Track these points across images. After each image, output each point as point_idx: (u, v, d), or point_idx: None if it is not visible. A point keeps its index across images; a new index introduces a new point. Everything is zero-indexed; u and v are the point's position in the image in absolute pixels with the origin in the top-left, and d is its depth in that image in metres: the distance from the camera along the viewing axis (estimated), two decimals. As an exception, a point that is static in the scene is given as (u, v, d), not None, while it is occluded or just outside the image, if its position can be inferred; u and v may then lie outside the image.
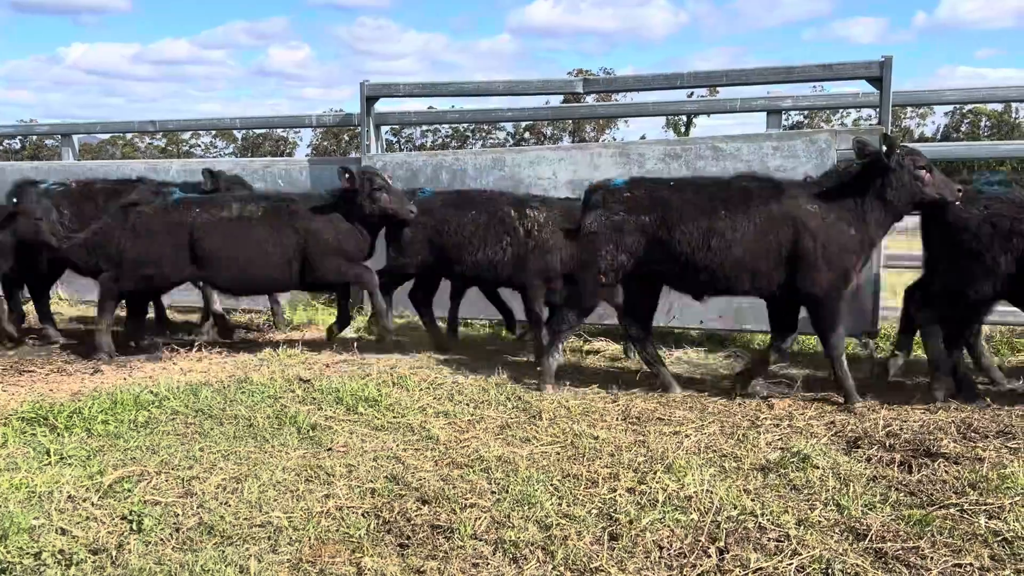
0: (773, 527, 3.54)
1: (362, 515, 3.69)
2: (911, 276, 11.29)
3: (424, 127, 59.81)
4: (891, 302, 7.90)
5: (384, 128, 9.40)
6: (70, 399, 5.47)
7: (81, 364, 6.79)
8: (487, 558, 3.33)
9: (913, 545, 3.38)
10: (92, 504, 3.77)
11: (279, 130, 63.82)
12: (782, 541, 3.43)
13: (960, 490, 3.92)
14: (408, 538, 3.49)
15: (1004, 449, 4.49)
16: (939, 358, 5.54)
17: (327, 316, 8.48)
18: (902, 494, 3.91)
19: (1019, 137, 53.09)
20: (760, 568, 3.21)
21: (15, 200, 7.54)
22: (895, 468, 4.25)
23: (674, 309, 7.52)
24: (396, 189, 7.01)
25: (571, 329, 6.24)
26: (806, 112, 48.92)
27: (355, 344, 6.99)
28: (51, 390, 5.89)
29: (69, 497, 3.83)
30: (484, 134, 64.65)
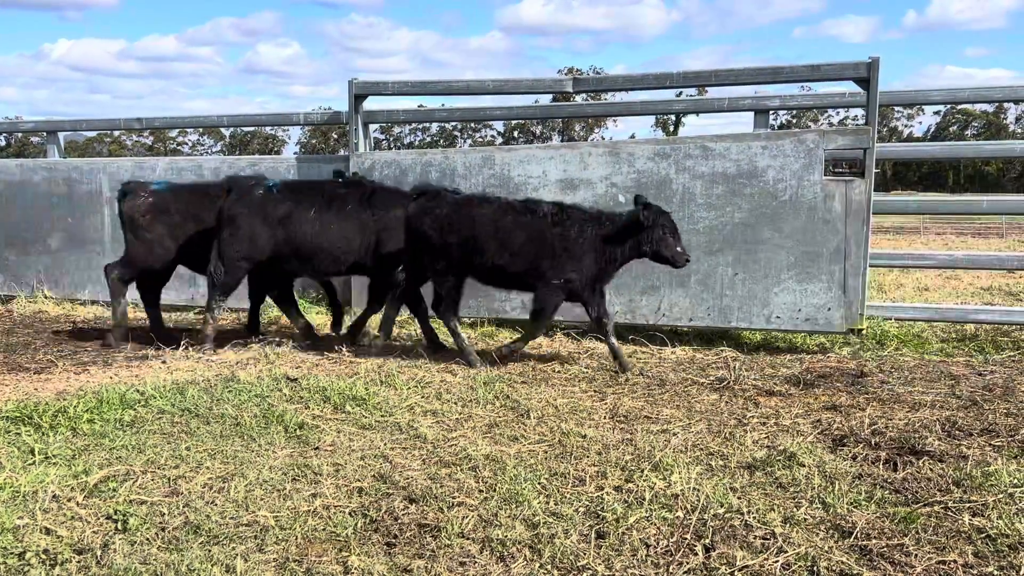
0: (759, 525, 3.56)
1: (349, 514, 3.69)
2: (895, 275, 11.34)
3: (412, 125, 59.73)
4: (876, 300, 7.95)
5: (373, 126, 9.38)
6: (55, 398, 5.44)
7: (69, 363, 6.74)
8: (474, 557, 3.33)
9: (898, 542, 3.40)
10: (77, 504, 3.75)
11: (267, 128, 63.63)
12: (768, 539, 3.44)
13: (944, 488, 3.95)
14: (395, 537, 3.49)
15: (988, 447, 4.53)
16: None
17: (315, 315, 8.46)
18: (887, 492, 3.93)
19: (1006, 137, 53.47)
20: (746, 566, 3.23)
21: None
22: (880, 466, 4.27)
23: (663, 307, 7.57)
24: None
25: None
26: (794, 112, 49.16)
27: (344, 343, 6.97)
28: (36, 389, 5.85)
29: (54, 496, 3.80)
30: (472, 132, 64.59)
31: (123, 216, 7.53)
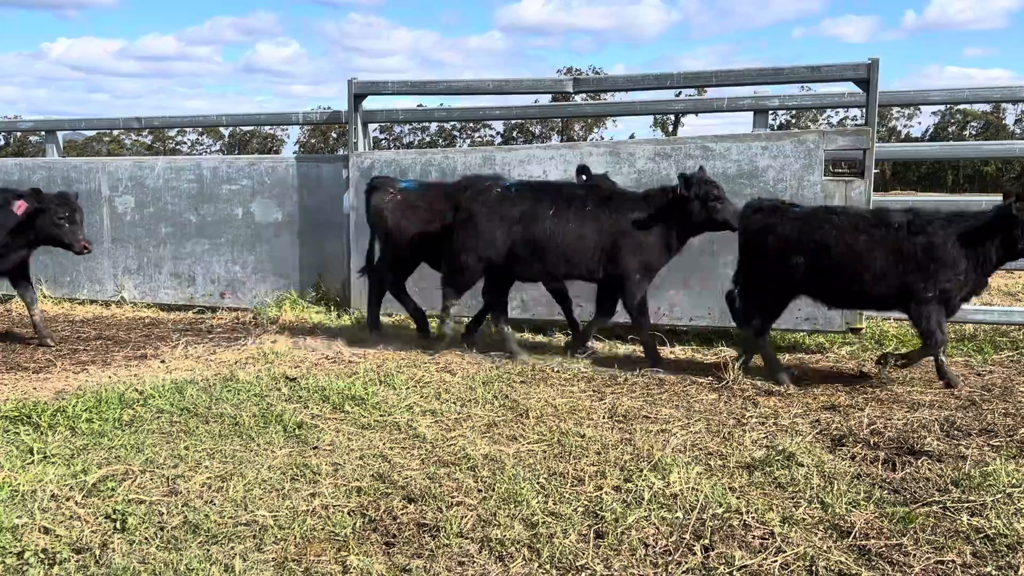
0: (758, 525, 3.56)
1: (348, 514, 3.69)
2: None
3: (412, 125, 59.73)
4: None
5: (372, 126, 9.38)
6: (54, 397, 5.44)
7: (67, 362, 6.74)
8: (473, 556, 3.33)
9: (896, 542, 3.40)
10: (76, 503, 3.75)
11: (266, 127, 63.65)
12: (767, 539, 3.45)
13: (943, 488, 3.96)
14: (394, 536, 3.49)
15: (986, 447, 4.54)
16: None
17: (314, 314, 8.47)
18: (886, 492, 3.94)
19: (1005, 138, 53.51)
20: (745, 566, 3.23)
21: None
22: (879, 466, 4.28)
23: (663, 307, 7.56)
24: None
25: None
26: (793, 112, 49.21)
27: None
28: (35, 388, 5.84)
29: (52, 496, 3.80)
30: (471, 132, 64.63)
31: (370, 210, 7.47)
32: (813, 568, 3.21)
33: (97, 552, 3.33)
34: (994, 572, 3.19)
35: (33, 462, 4.26)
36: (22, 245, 7.18)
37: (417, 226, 7.28)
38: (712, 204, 6.42)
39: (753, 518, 3.62)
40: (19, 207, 6.80)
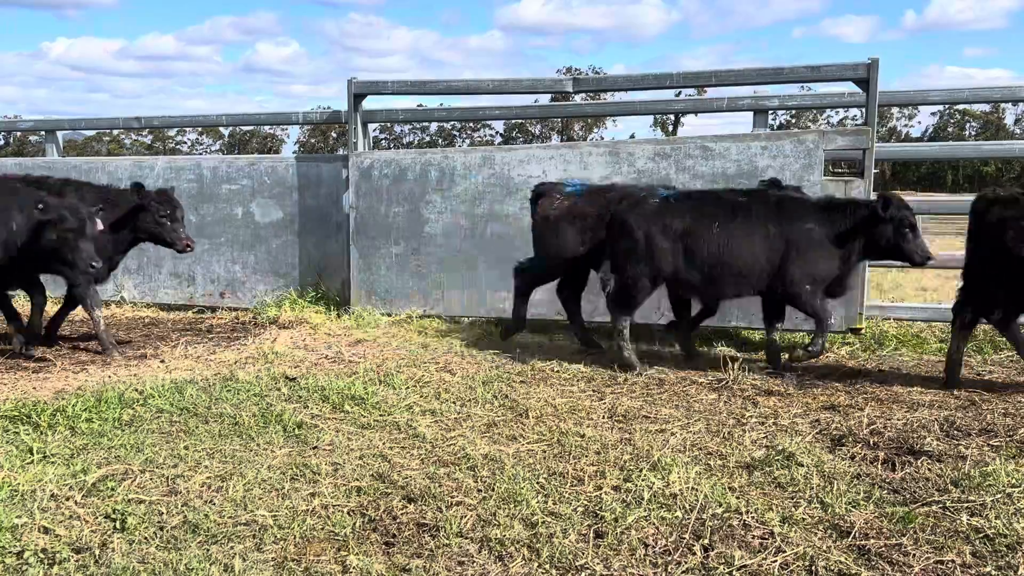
0: (758, 525, 3.56)
1: (348, 513, 3.69)
2: (894, 275, 11.29)
3: (412, 125, 59.73)
4: (876, 300, 7.95)
5: (372, 126, 9.38)
6: (54, 397, 5.44)
7: (67, 362, 6.73)
8: (473, 556, 3.34)
9: (896, 542, 3.41)
10: (75, 503, 3.75)
11: (266, 127, 63.62)
12: (766, 538, 3.45)
13: (943, 488, 3.96)
14: (394, 536, 3.49)
15: (986, 447, 4.54)
16: None
17: (314, 314, 8.46)
18: (885, 492, 3.94)
19: (1005, 137, 53.49)
20: (744, 565, 3.23)
21: None
22: (879, 466, 4.28)
23: (663, 307, 7.56)
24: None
25: None
26: (793, 111, 49.18)
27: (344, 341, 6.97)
28: (34, 388, 5.84)
29: (52, 496, 3.81)
30: (471, 131, 64.63)
31: (536, 217, 7.15)
32: (813, 568, 3.21)
33: (97, 552, 3.33)
34: (994, 572, 3.19)
35: (33, 462, 4.26)
36: (124, 246, 7.16)
37: (585, 232, 6.94)
38: (904, 232, 6.13)
39: (753, 518, 3.62)
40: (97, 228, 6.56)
